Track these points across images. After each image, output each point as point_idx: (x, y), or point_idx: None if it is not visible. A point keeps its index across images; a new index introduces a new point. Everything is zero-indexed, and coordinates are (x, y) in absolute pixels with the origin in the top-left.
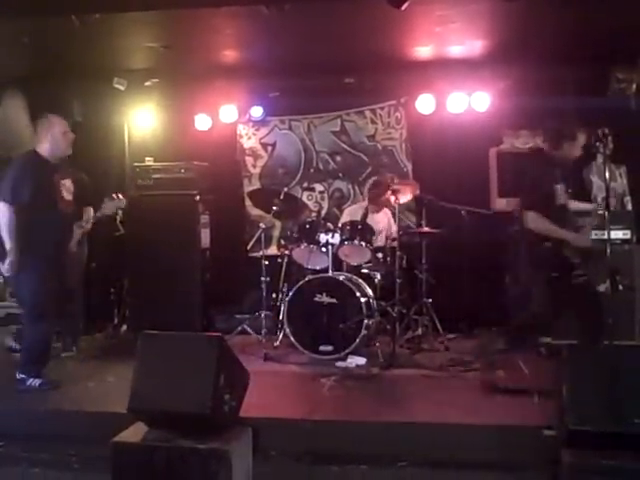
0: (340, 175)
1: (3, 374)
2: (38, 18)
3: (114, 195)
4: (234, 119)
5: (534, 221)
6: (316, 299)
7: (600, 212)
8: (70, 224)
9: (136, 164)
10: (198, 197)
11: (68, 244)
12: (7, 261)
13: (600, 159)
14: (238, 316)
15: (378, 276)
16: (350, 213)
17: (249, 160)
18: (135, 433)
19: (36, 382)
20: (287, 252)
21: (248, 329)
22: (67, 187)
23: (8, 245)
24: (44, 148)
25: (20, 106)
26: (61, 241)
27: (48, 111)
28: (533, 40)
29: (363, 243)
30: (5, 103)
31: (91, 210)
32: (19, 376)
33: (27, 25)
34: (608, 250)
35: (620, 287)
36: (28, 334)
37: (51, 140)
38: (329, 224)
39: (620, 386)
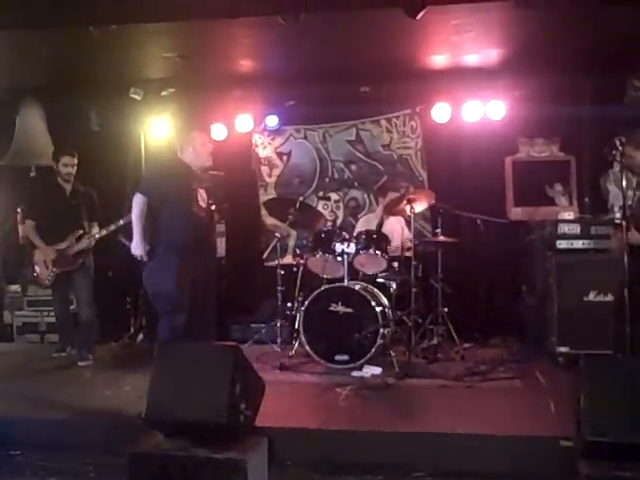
0: (355, 184)
1: (18, 382)
2: (56, 29)
3: None
4: (250, 128)
5: None
6: (332, 308)
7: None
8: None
9: None
10: (214, 206)
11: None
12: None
13: (617, 167)
14: (254, 325)
15: (394, 285)
16: (365, 222)
17: (265, 169)
18: (151, 442)
19: None
20: (303, 261)
21: (264, 338)
22: (203, 196)
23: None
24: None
25: (38, 116)
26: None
27: (65, 120)
28: (549, 48)
29: (379, 252)
30: (23, 113)
31: (97, 226)
32: None
33: (45, 36)
34: (625, 258)
35: None
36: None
37: (193, 152)
38: (344, 233)
39: (638, 396)
